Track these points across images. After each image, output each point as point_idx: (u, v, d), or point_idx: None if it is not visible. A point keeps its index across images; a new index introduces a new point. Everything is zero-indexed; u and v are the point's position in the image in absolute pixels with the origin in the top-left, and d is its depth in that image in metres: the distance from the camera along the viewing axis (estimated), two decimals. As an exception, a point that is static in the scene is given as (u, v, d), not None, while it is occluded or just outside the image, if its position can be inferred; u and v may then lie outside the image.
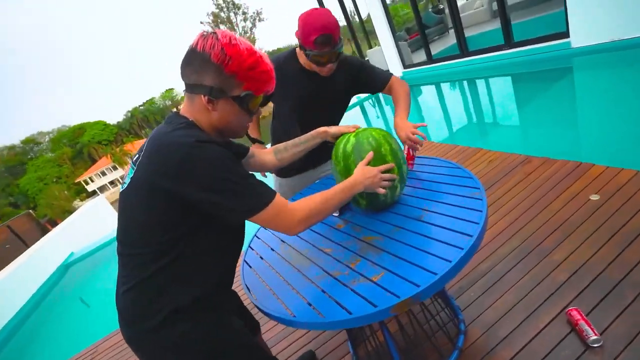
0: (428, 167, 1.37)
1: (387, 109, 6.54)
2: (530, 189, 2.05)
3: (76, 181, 51.53)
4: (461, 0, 8.65)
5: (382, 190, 1.03)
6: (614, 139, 2.54)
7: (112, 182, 51.83)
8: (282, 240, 1.31)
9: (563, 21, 4.23)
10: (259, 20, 32.99)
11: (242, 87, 0.82)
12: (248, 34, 31.98)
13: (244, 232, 0.97)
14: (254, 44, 0.85)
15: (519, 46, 4.93)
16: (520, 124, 3.65)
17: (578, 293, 1.35)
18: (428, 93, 6.43)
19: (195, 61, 0.80)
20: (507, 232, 1.81)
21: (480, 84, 5.40)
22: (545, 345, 1.23)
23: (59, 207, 40.05)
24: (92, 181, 51.48)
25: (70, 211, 31.07)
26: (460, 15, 5.65)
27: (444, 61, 6.32)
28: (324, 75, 1.42)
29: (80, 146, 55.88)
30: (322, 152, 1.29)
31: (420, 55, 7.03)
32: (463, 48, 5.81)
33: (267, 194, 0.82)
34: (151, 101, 68.20)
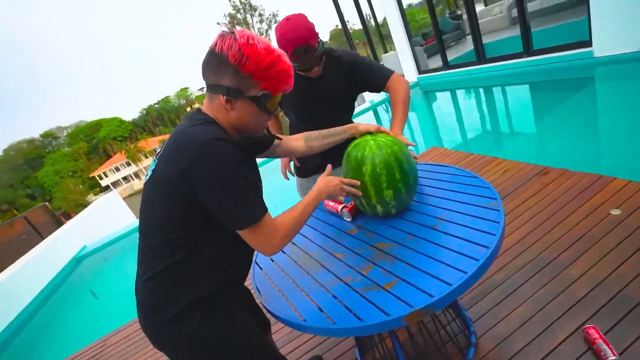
0: (444, 176, 1.35)
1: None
2: (547, 200, 2.00)
3: (90, 176, 52.65)
4: (479, 6, 8.58)
5: (342, 197, 1.08)
6: (637, 152, 2.46)
7: (125, 178, 52.79)
8: (293, 243, 1.31)
9: (586, 30, 4.14)
10: (275, 22, 33.30)
11: (259, 87, 0.83)
12: (264, 36, 32.30)
13: None
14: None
15: (539, 54, 4.84)
16: (538, 134, 3.57)
17: (596, 310, 1.30)
18: (443, 99, 6.37)
19: (213, 62, 0.81)
20: (522, 244, 1.77)
21: (497, 91, 5.33)
22: (560, 362, 1.19)
23: (74, 200, 40.95)
24: (106, 176, 52.53)
25: (84, 205, 31.69)
26: (479, 21, 5.59)
27: (460, 67, 6.25)
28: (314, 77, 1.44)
29: (96, 141, 57.11)
30: (340, 155, 1.29)
31: (436, 61, 6.98)
32: (480, 55, 5.74)
33: (257, 211, 0.82)
34: (166, 99, 69.34)
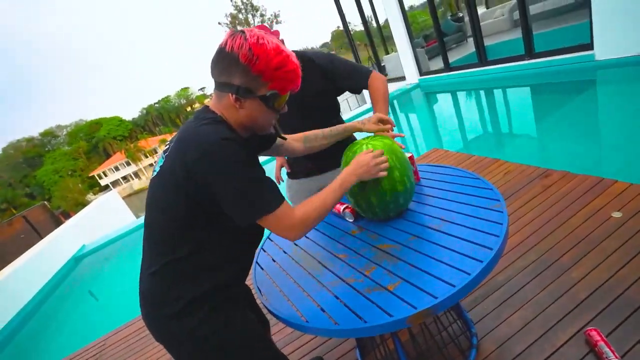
0: (447, 177, 1.35)
1: (402, 118, 6.50)
2: (549, 202, 2.00)
3: (90, 175, 52.61)
4: (481, 8, 8.58)
5: (383, 174, 1.02)
6: (638, 155, 2.46)
7: (124, 178, 52.76)
8: (294, 244, 1.30)
9: (587, 33, 4.15)
10: (277, 23, 33.28)
11: (268, 86, 0.83)
12: (265, 36, 32.27)
13: (261, 232, 0.97)
14: None
15: (540, 57, 4.84)
16: (539, 136, 3.57)
17: (597, 313, 1.30)
18: (444, 101, 6.37)
19: (223, 60, 0.81)
20: (523, 246, 1.76)
21: (498, 93, 5.33)
22: (562, 365, 1.18)
23: (73, 199, 40.94)
24: (106, 175, 52.51)
25: (83, 204, 31.68)
26: (480, 24, 5.59)
27: (462, 69, 6.25)
28: None
29: (96, 140, 57.08)
30: (330, 159, 1.28)
31: (438, 63, 6.98)
32: (482, 57, 5.75)
33: (273, 201, 0.82)
34: (166, 99, 69.37)
